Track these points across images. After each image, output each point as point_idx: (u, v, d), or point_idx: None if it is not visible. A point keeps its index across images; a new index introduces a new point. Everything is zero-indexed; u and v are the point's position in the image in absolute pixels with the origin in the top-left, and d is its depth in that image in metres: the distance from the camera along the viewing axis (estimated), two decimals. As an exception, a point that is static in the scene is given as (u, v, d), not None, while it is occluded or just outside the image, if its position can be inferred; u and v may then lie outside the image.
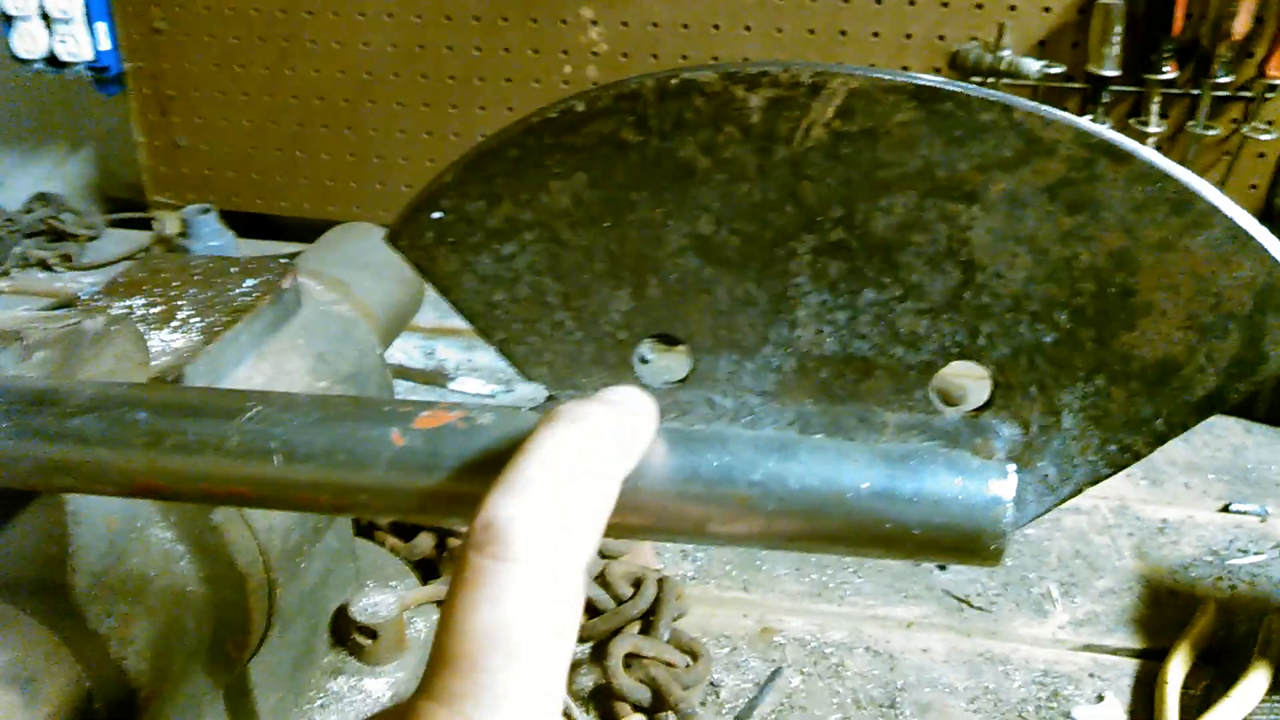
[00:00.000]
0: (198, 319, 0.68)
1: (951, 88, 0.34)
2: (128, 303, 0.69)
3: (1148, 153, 0.34)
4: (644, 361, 1.20)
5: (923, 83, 0.34)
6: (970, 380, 0.47)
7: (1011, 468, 0.37)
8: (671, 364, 1.06)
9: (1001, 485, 0.37)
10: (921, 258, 0.37)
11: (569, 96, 0.36)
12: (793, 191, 0.36)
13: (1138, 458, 0.38)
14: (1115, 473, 0.38)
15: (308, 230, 1.46)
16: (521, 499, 0.33)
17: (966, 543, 0.37)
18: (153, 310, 0.69)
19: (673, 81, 0.35)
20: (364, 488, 0.39)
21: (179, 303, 0.69)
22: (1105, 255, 0.36)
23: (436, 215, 0.38)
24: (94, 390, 0.43)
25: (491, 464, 0.36)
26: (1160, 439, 0.37)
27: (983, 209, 0.36)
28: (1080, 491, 0.39)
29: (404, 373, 1.34)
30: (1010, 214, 0.36)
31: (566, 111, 0.36)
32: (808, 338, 0.39)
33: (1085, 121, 0.34)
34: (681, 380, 0.41)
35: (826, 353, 0.39)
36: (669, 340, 0.41)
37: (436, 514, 0.39)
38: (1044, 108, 0.34)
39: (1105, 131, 0.34)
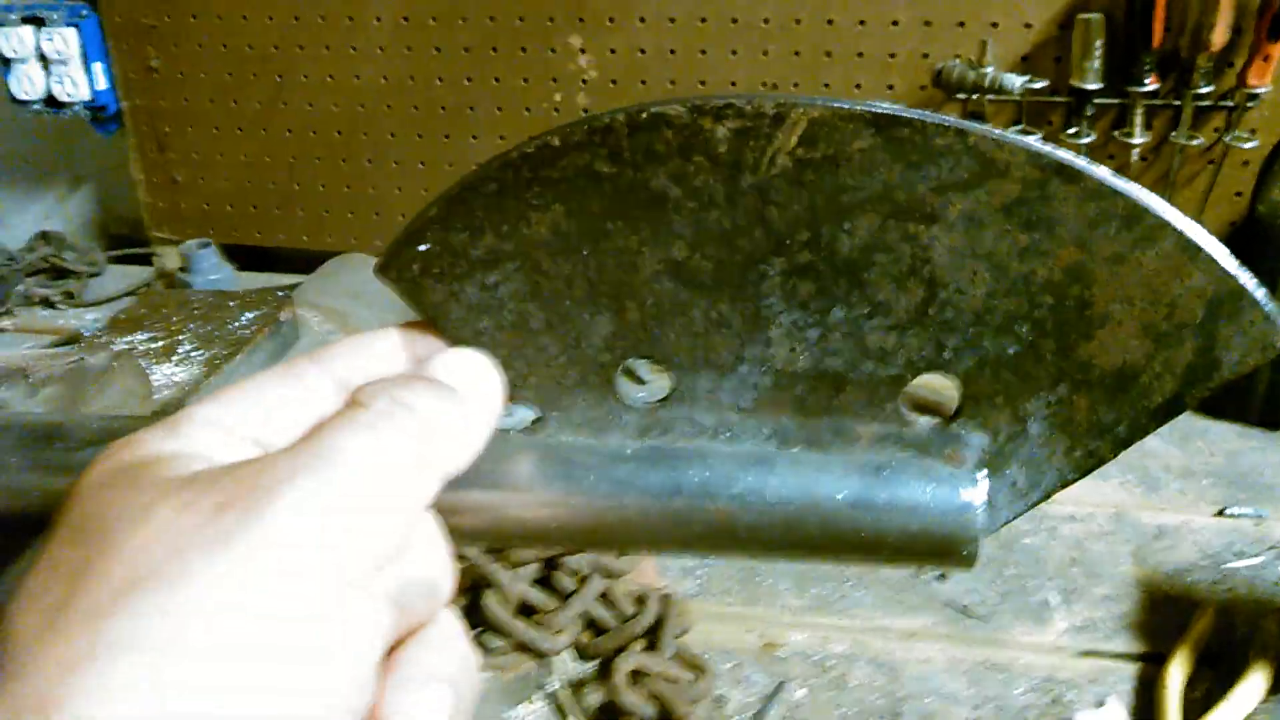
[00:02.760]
0: (199, 352, 0.70)
1: (907, 114, 0.36)
2: (130, 338, 0.71)
3: (1098, 170, 0.36)
4: (640, 381, 1.21)
5: (880, 110, 0.36)
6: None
7: (982, 474, 0.39)
8: (666, 384, 1.07)
9: (972, 492, 0.38)
10: (886, 276, 0.38)
11: (545, 132, 0.38)
12: (761, 217, 0.38)
13: (1103, 462, 0.39)
14: (1082, 477, 0.40)
15: (306, 261, 1.48)
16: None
17: (940, 547, 0.38)
18: (155, 345, 0.70)
19: (643, 115, 0.37)
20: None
21: (180, 337, 0.71)
22: (1061, 270, 0.37)
23: (423, 248, 0.40)
24: (100, 424, 0.44)
25: (471, 481, 0.38)
26: (1123, 444, 0.39)
27: (942, 229, 0.37)
28: (1050, 496, 0.40)
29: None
30: (969, 233, 0.37)
31: (543, 146, 0.38)
32: (782, 355, 0.40)
33: (1037, 142, 0.36)
34: (663, 399, 0.42)
35: (800, 369, 0.40)
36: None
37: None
38: (996, 131, 0.36)
39: (1057, 151, 0.36)
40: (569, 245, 0.39)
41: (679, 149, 0.37)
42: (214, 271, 1.55)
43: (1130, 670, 0.91)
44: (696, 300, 0.40)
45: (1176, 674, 0.87)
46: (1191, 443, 1.22)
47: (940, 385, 0.41)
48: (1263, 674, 0.85)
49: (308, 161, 1.65)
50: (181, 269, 1.56)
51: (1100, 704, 0.88)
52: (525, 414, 0.42)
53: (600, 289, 0.40)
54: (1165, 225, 0.36)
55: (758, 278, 0.39)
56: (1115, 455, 0.39)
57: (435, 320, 0.41)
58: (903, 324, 0.39)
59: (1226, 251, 0.36)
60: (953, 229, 0.37)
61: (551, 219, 0.39)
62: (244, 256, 1.69)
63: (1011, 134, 0.35)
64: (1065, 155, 0.36)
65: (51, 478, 0.43)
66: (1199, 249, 0.36)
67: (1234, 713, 0.83)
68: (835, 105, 0.36)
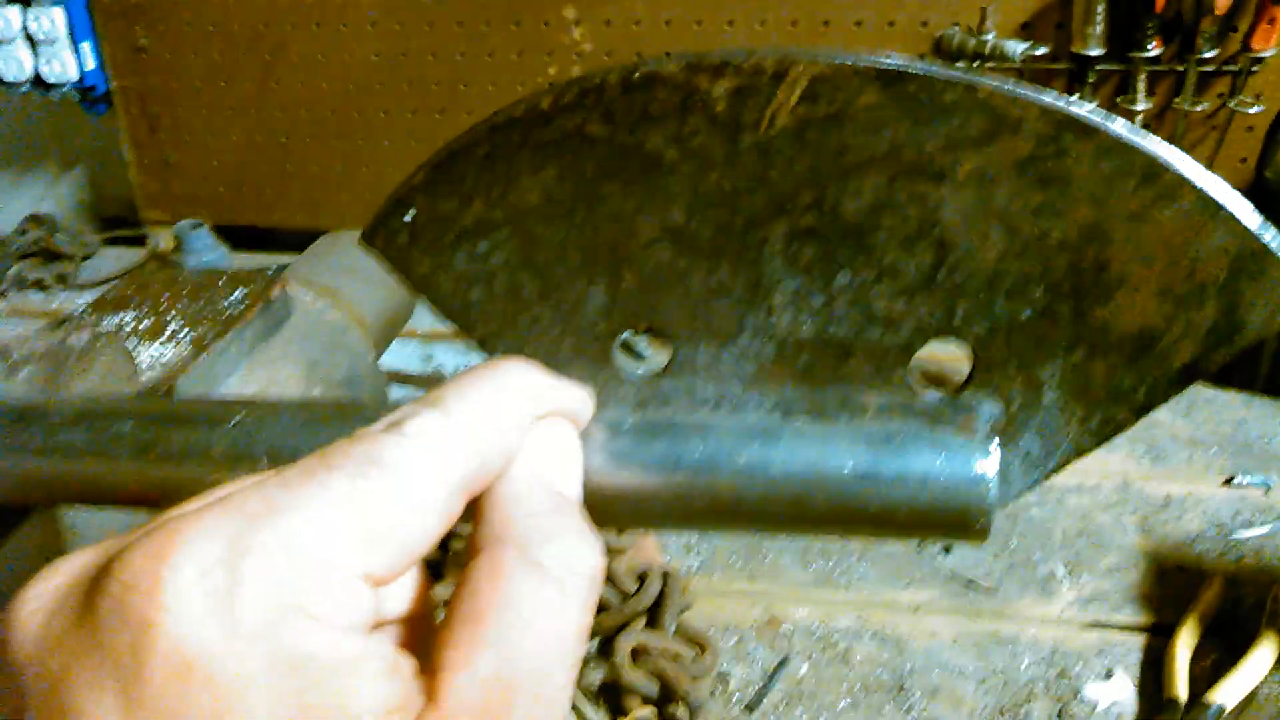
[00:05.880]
0: (187, 331, 0.68)
1: (914, 69, 0.34)
2: (117, 318, 0.69)
3: (1114, 125, 0.34)
4: (639, 357, 1.19)
5: (885, 65, 0.34)
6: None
7: (994, 444, 0.37)
8: (664, 359, 1.06)
9: (985, 463, 0.37)
10: (894, 239, 0.37)
11: (534, 94, 0.36)
12: (762, 178, 0.36)
13: (1120, 430, 0.38)
14: (1099, 445, 0.38)
15: (301, 241, 1.45)
16: None
17: (952, 520, 0.37)
18: (142, 324, 0.69)
19: (636, 74, 0.35)
20: (350, 490, 0.39)
21: (168, 316, 0.70)
22: (1077, 229, 0.36)
23: (408, 216, 0.38)
24: (81, 403, 0.43)
25: None
26: (1142, 410, 0.37)
27: (952, 188, 0.36)
28: (1065, 465, 0.39)
29: (403, 378, 1.34)
30: (980, 192, 0.36)
31: (532, 108, 0.36)
32: (785, 323, 0.39)
33: (1049, 97, 0.34)
34: (662, 371, 0.41)
35: (805, 337, 0.39)
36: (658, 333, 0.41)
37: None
38: (1008, 84, 0.34)
39: (1070, 106, 0.34)
40: (562, 211, 0.38)
41: (675, 109, 0.36)
42: (208, 252, 1.53)
43: (1138, 641, 0.91)
44: (695, 266, 0.38)
45: (1185, 645, 0.87)
46: (1198, 412, 1.21)
47: (950, 353, 0.39)
48: (1272, 644, 0.84)
49: (300, 141, 1.64)
50: (175, 250, 1.54)
51: (1108, 675, 0.87)
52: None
53: (595, 256, 0.38)
54: (1185, 181, 0.34)
55: (759, 242, 0.37)
56: (1134, 423, 0.38)
57: (424, 292, 0.40)
58: (911, 289, 0.37)
59: (1250, 208, 0.34)
60: (963, 188, 0.36)
61: (543, 184, 0.37)
62: (238, 237, 1.67)
63: (1023, 88, 0.34)
64: (1079, 109, 0.34)
65: (31, 459, 0.41)
66: (1220, 206, 0.34)
67: (1243, 683, 0.82)
68: (839, 60, 0.34)
